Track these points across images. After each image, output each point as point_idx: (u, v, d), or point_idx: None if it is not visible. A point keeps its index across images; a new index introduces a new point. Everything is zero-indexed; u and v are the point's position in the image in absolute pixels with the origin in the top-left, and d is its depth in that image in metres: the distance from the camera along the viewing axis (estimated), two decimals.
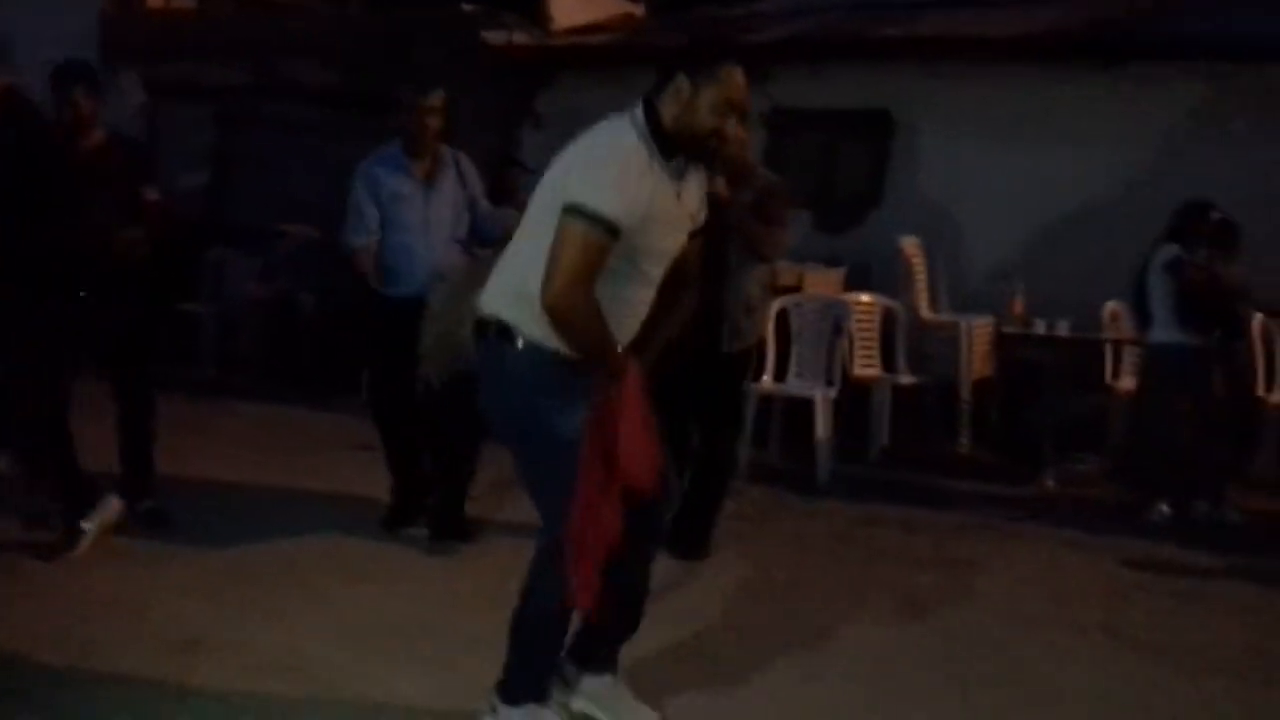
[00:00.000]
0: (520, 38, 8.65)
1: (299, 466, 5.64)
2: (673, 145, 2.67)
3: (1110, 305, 6.62)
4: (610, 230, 2.55)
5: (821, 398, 5.91)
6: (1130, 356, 6.84)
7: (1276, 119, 6.69)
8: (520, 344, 2.67)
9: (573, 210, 2.55)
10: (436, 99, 4.43)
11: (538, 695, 2.83)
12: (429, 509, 4.56)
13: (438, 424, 4.43)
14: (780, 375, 6.18)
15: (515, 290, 2.68)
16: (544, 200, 2.68)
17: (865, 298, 6.70)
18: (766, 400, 6.09)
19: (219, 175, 9.56)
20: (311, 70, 9.05)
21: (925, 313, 7.05)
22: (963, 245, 7.34)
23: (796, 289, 6.69)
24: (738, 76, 2.66)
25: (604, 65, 8.45)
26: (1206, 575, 4.67)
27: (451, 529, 4.44)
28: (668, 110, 2.66)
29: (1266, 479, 5.92)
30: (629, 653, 3.07)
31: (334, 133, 8.88)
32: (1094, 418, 6.67)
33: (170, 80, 9.49)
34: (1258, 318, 6.10)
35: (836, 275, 7.13)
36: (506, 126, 8.49)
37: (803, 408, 5.98)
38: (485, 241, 4.50)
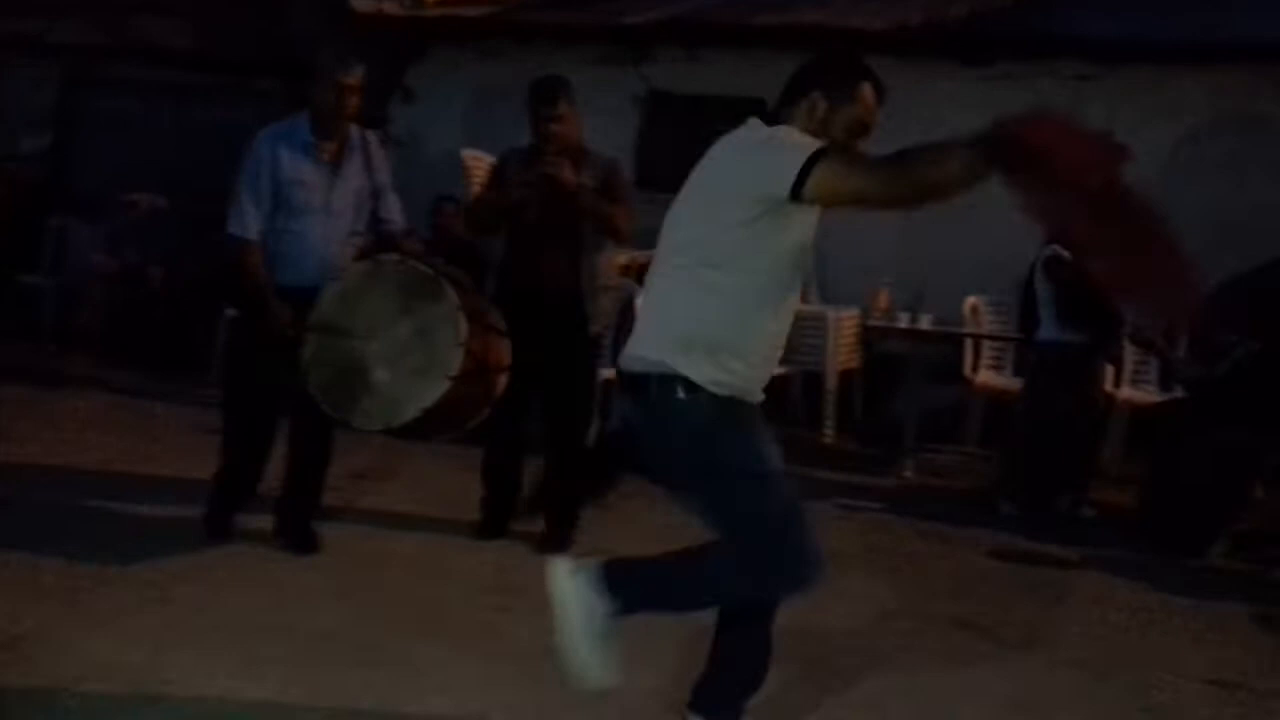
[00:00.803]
0: (390, 7, 8.38)
1: (141, 452, 5.35)
2: None
3: (971, 299, 6.76)
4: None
5: None
6: (989, 350, 7.03)
7: (1134, 120, 6.93)
8: (689, 391, 2.54)
9: (805, 171, 2.39)
10: (357, 75, 3.99)
11: None
12: (277, 512, 4.22)
13: (297, 429, 4.12)
14: None
15: (680, 338, 2.56)
16: (698, 236, 2.55)
17: None
18: None
19: (64, 139, 9.03)
20: (168, 31, 8.61)
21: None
22: (831, 236, 7.37)
23: None
24: (872, 96, 2.62)
25: (478, 38, 8.27)
26: (1060, 566, 4.80)
27: (299, 540, 4.13)
28: (798, 125, 2.59)
29: (1113, 473, 6.13)
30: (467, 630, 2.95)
31: (191, 98, 8.49)
32: (953, 410, 6.83)
33: (13, 36, 8.91)
34: None
35: None
36: (376, 99, 8.21)
37: None
38: (383, 237, 4.15)
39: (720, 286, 2.53)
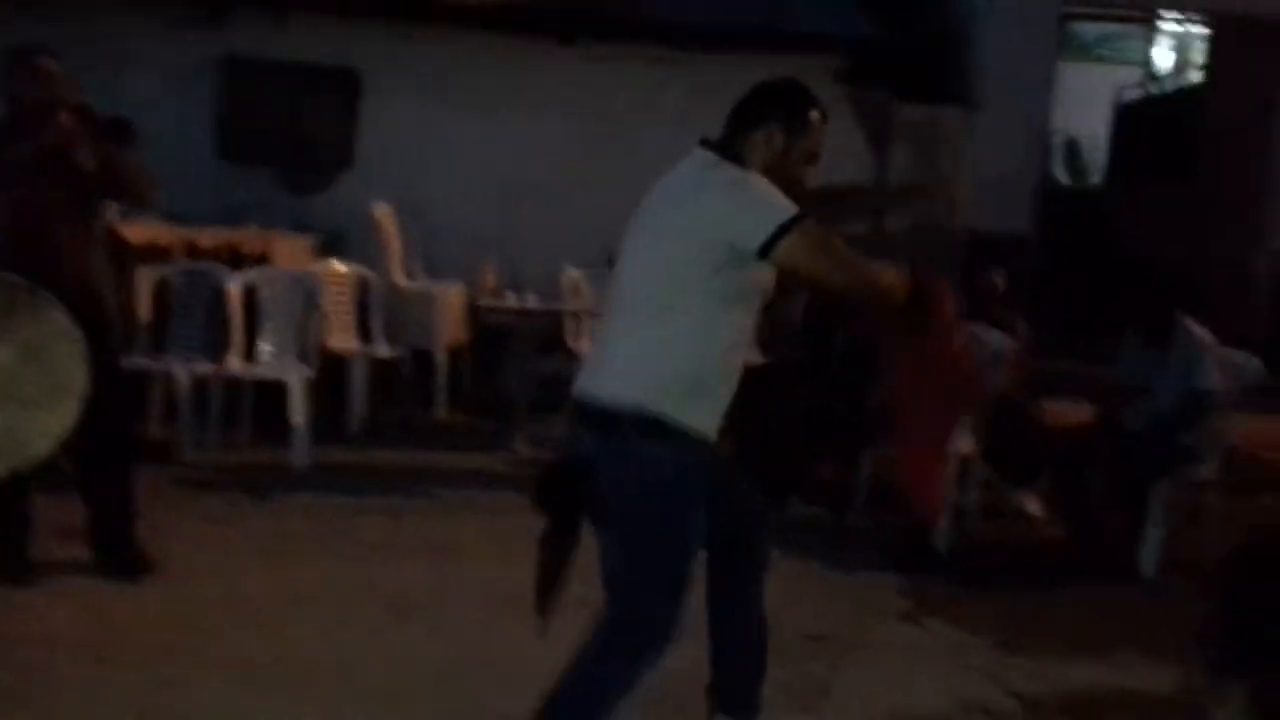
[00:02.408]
0: None
1: None
2: None
3: (571, 274, 7.01)
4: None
5: (297, 379, 5.65)
6: (589, 320, 7.35)
7: (706, 103, 7.44)
8: (664, 436, 2.52)
9: (777, 236, 2.45)
10: None
11: None
12: None
13: None
14: (249, 355, 5.82)
15: (659, 374, 2.53)
16: (666, 275, 2.53)
17: (339, 267, 6.49)
18: (235, 384, 5.71)
19: None
20: None
21: (400, 281, 6.99)
22: (435, 212, 7.36)
23: (263, 259, 6.32)
24: (820, 124, 2.67)
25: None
26: None
27: None
28: (756, 157, 2.61)
29: None
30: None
31: None
32: (557, 379, 7.06)
33: None
34: None
35: (306, 242, 6.82)
36: None
37: (275, 389, 5.67)
38: None
39: (689, 324, 2.53)
